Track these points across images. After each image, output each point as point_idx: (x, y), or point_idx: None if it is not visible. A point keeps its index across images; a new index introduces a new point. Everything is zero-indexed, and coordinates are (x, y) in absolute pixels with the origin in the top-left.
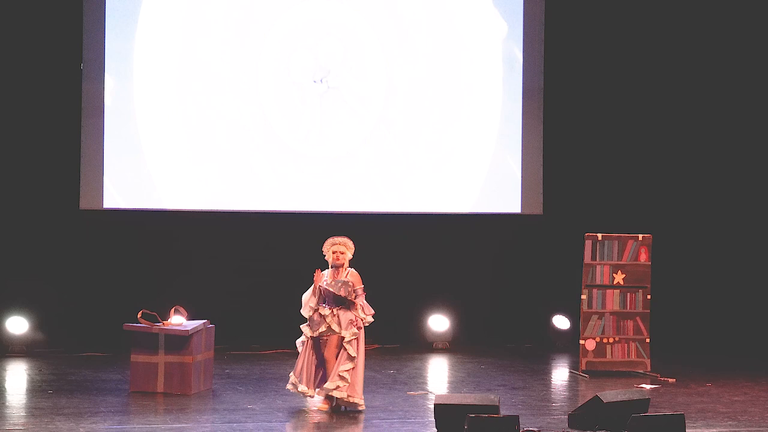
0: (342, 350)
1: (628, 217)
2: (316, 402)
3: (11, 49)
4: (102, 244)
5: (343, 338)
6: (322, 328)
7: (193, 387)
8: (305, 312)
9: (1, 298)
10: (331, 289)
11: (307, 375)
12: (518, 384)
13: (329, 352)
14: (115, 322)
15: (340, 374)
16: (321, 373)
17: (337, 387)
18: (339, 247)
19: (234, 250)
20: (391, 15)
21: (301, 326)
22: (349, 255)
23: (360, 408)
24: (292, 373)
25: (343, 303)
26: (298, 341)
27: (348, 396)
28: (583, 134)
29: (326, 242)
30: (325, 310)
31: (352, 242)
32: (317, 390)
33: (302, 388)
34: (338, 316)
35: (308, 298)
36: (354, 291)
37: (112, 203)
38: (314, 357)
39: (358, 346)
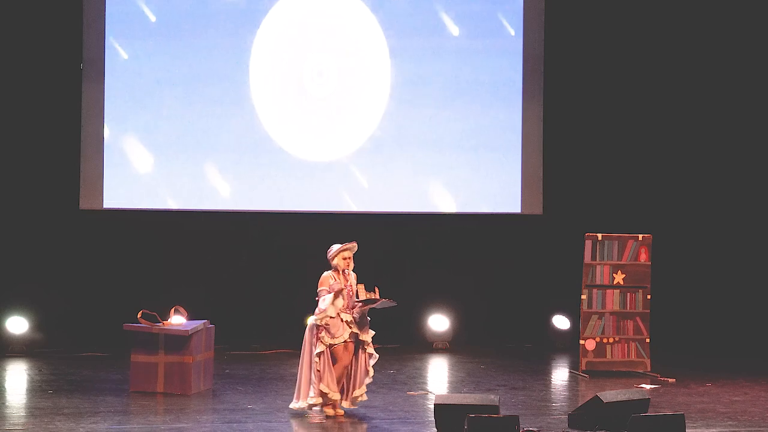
0: (362, 353)
1: (628, 217)
2: (330, 409)
3: (11, 49)
4: (102, 244)
5: (363, 342)
6: (346, 336)
7: (193, 387)
8: (328, 317)
9: (1, 298)
10: (374, 306)
11: (339, 384)
12: (518, 384)
13: (349, 357)
14: (115, 322)
15: (369, 376)
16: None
17: (364, 391)
18: (349, 253)
19: (234, 250)
20: (391, 13)
21: (321, 335)
22: None
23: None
24: (321, 387)
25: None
26: (316, 352)
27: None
28: (583, 134)
29: (336, 248)
30: (348, 316)
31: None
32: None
33: (336, 396)
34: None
35: (330, 305)
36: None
37: (112, 203)
38: (336, 364)
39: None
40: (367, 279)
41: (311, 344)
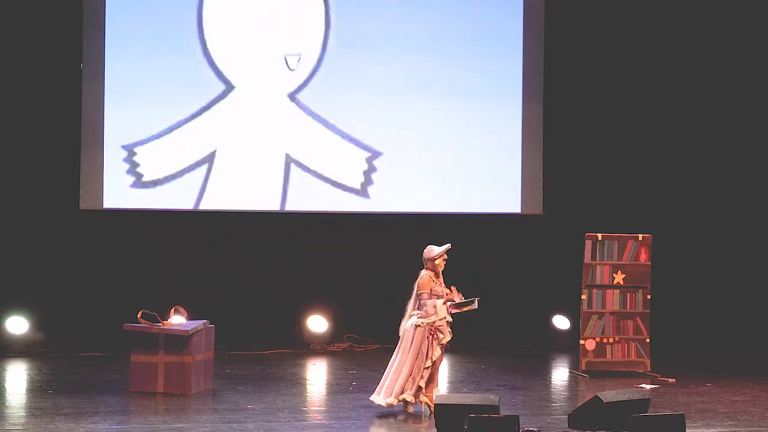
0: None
1: (628, 217)
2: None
3: (11, 49)
4: (102, 244)
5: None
6: (449, 336)
7: (193, 387)
8: (444, 319)
9: (1, 298)
10: (465, 308)
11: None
12: (518, 384)
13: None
14: (115, 322)
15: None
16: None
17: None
18: (446, 255)
19: (234, 250)
20: (392, 13)
21: (439, 337)
22: None
23: None
24: (422, 384)
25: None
26: (436, 354)
27: None
28: (582, 135)
29: (438, 250)
30: (449, 317)
31: None
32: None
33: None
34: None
35: (441, 306)
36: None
37: (112, 203)
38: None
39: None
40: (367, 278)
41: (422, 344)
